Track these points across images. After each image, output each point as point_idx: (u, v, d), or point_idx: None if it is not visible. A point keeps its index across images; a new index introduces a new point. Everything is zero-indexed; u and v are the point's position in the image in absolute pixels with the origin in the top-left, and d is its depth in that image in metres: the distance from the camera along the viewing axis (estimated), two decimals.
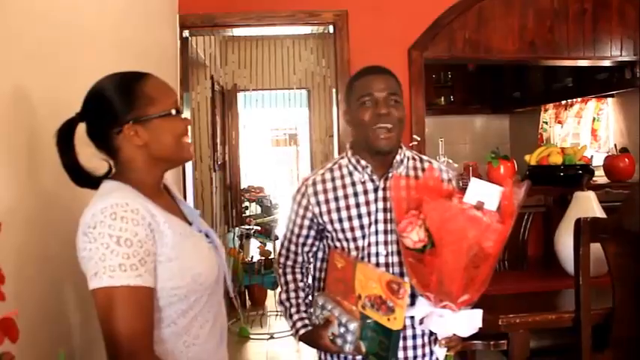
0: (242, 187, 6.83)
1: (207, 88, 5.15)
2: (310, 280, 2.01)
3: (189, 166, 3.69)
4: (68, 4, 1.81)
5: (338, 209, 1.84)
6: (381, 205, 1.82)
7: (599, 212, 2.78)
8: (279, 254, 2.00)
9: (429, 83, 5.93)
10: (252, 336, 5.17)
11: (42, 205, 1.51)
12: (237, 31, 3.85)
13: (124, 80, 1.37)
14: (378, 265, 1.80)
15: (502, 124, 6.68)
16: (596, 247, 2.33)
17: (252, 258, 5.84)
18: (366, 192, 1.84)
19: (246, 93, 6.67)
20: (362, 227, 1.82)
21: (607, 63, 4.02)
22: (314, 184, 1.88)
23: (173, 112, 1.38)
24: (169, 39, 3.43)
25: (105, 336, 1.22)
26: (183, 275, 1.32)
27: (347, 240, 1.83)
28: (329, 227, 1.85)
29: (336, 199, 1.85)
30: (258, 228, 6.63)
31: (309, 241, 1.94)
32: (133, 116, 1.33)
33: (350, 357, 1.80)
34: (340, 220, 1.83)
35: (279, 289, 1.99)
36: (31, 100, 1.50)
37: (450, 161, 2.85)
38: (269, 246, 6.10)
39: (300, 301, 1.92)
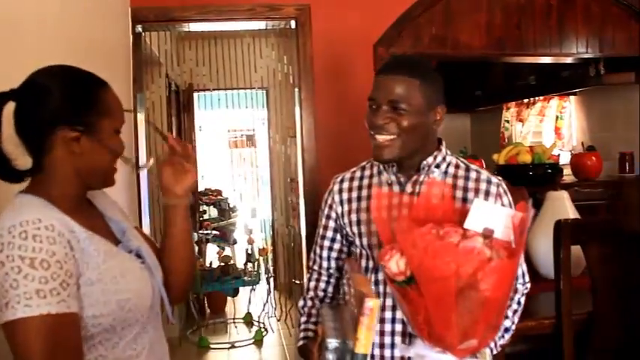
0: (199, 190, 6.62)
1: (163, 87, 4.94)
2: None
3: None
4: None
5: (358, 210, 1.67)
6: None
7: (572, 212, 2.71)
8: (309, 258, 1.85)
9: None
10: (212, 346, 4.99)
11: None
12: (194, 27, 3.65)
13: (87, 80, 1.23)
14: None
15: (463, 123, 6.63)
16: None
17: (210, 264, 5.65)
18: None
19: (203, 93, 6.46)
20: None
21: (571, 60, 3.98)
22: (341, 181, 1.73)
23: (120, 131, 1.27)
24: (120, 34, 3.21)
25: None
26: (106, 301, 1.14)
27: (363, 247, 1.65)
28: (348, 230, 1.68)
29: (359, 199, 1.67)
30: (217, 232, 6.45)
31: (336, 245, 1.76)
32: (83, 121, 1.18)
33: None
34: (358, 223, 1.65)
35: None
36: None
37: None
38: (228, 251, 5.92)
39: (313, 311, 1.75)
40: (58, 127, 1.17)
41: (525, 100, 5.44)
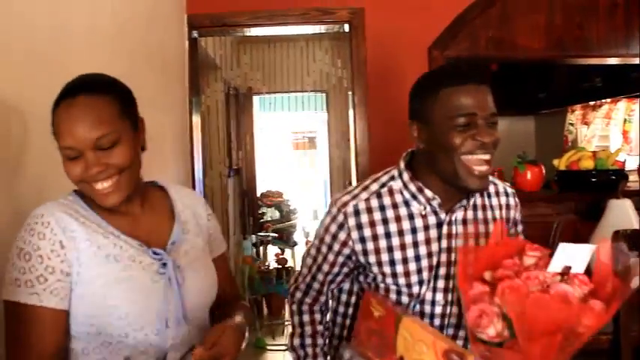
0: (260, 192, 6.70)
1: (219, 91, 5.02)
2: (329, 315, 1.66)
3: (198, 172, 3.55)
4: (59, 8, 1.70)
5: (390, 249, 1.46)
6: (444, 244, 1.46)
7: (635, 221, 2.59)
8: (297, 287, 1.61)
9: None
10: (268, 347, 5.03)
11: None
12: (248, 31, 3.70)
13: (59, 95, 1.18)
14: (432, 315, 1.48)
15: (527, 126, 6.42)
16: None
17: (268, 266, 5.71)
18: (426, 227, 1.47)
19: (264, 96, 6.54)
20: (419, 272, 1.45)
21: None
22: (356, 213, 1.47)
23: (67, 155, 1.16)
24: (177, 40, 3.29)
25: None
26: (96, 303, 1.15)
27: (398, 285, 1.47)
28: (375, 269, 1.48)
29: (388, 235, 1.45)
30: (276, 235, 6.49)
31: (339, 278, 1.57)
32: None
33: None
34: (392, 263, 1.45)
35: (291, 330, 1.63)
36: (23, 108, 1.42)
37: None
38: (287, 253, 5.95)
39: (317, 350, 1.56)
40: None
41: (591, 103, 5.23)
